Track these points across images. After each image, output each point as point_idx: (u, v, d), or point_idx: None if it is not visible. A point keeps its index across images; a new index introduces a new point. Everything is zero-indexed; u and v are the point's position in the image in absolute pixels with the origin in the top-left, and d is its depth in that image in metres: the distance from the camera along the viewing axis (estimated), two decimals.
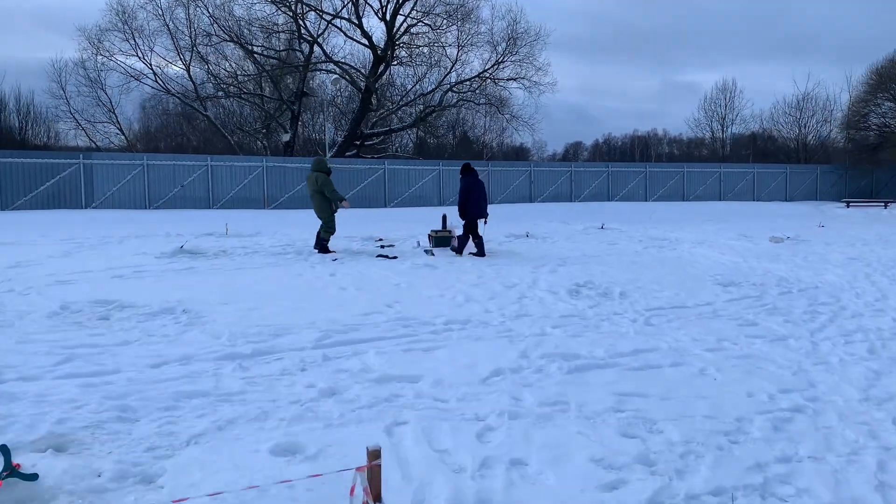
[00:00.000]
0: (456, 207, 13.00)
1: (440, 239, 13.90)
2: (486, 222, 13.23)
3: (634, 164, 33.13)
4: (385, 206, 26.32)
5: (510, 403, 4.52)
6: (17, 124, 45.51)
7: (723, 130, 52.47)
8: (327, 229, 12.76)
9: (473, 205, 12.56)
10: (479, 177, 13.13)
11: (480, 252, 12.61)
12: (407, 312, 7.30)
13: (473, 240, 12.71)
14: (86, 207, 21.03)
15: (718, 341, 6.30)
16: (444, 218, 14.31)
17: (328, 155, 30.17)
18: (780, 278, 10.12)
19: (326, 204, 12.71)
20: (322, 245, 12.77)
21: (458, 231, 14.37)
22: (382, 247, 14.02)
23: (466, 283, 9.34)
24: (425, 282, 9.42)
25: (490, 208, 27.33)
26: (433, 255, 12.54)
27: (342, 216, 20.82)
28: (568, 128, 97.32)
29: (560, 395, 4.68)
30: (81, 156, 21.11)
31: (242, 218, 20.78)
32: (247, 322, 6.75)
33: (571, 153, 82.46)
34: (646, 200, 31.81)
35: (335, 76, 29.65)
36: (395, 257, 12.14)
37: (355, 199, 25.84)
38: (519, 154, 61.13)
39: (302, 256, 12.22)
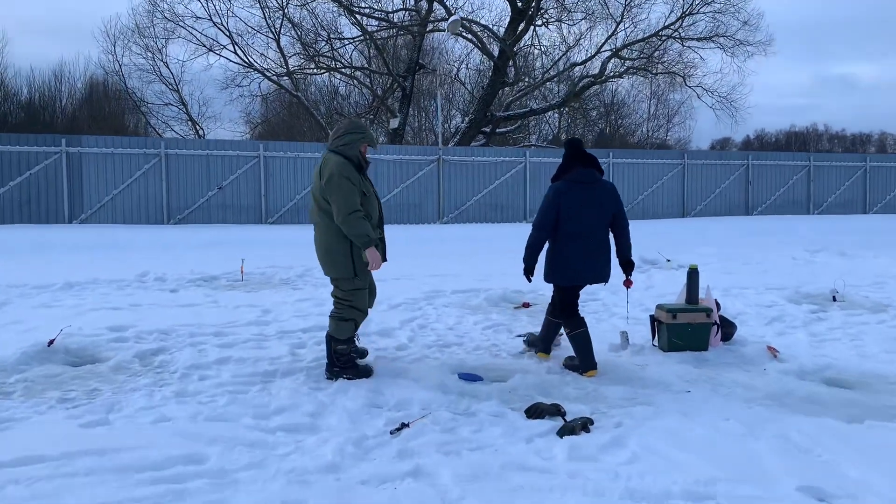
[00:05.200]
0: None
1: (685, 330, 5.68)
2: (628, 284, 5.44)
3: None
4: (524, 219, 18.28)
5: None
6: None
7: None
8: (339, 311, 4.98)
9: (576, 252, 5.18)
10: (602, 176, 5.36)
11: (585, 362, 5.16)
12: None
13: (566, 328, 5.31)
14: (70, 221, 14.64)
15: None
16: (694, 275, 5.93)
17: (448, 144, 22.56)
18: None
19: (336, 239, 4.86)
20: (343, 358, 4.94)
21: (713, 304, 6.14)
22: (528, 342, 5.94)
23: None
24: None
25: (684, 225, 18.16)
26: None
27: (415, 247, 12.85)
28: (706, 125, 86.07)
29: None
30: (64, 141, 14.68)
31: (303, 242, 13.49)
32: None
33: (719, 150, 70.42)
34: None
35: (450, 24, 21.69)
36: (584, 426, 4.01)
37: (479, 209, 17.91)
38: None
39: (295, 396, 4.50)
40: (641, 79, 30.13)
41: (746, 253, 13.35)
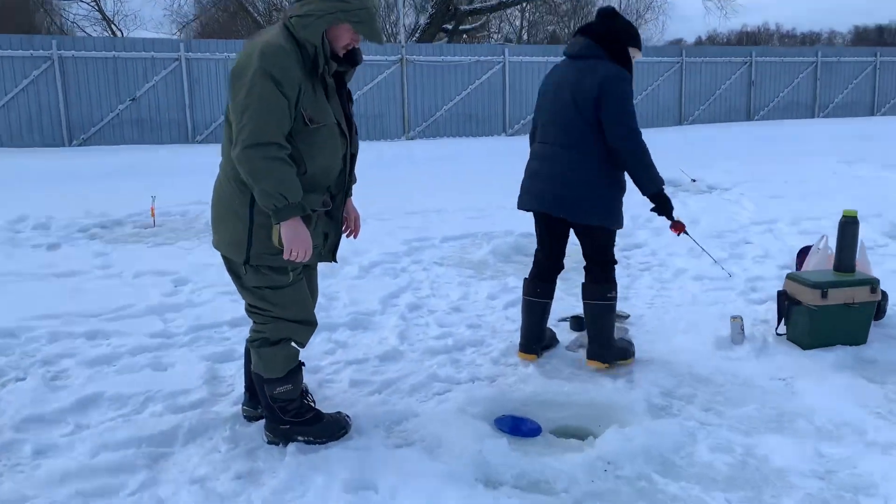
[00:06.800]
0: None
1: (841, 315, 3.63)
2: (676, 228, 3.47)
3: None
4: (503, 132, 15.93)
5: None
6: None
7: None
8: (260, 330, 2.67)
9: (529, 162, 3.51)
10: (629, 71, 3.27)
11: (606, 352, 3.37)
12: None
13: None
14: None
15: None
16: (850, 227, 3.84)
17: (409, 41, 19.71)
18: None
19: (234, 186, 2.53)
20: (293, 405, 2.75)
21: (872, 270, 4.05)
22: (574, 327, 3.84)
23: None
24: None
25: (685, 134, 15.79)
26: None
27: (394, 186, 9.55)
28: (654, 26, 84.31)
29: None
30: None
31: None
32: None
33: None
34: None
35: None
36: None
37: (450, 120, 15.49)
38: None
39: None
40: None
41: (774, 168, 11.41)
